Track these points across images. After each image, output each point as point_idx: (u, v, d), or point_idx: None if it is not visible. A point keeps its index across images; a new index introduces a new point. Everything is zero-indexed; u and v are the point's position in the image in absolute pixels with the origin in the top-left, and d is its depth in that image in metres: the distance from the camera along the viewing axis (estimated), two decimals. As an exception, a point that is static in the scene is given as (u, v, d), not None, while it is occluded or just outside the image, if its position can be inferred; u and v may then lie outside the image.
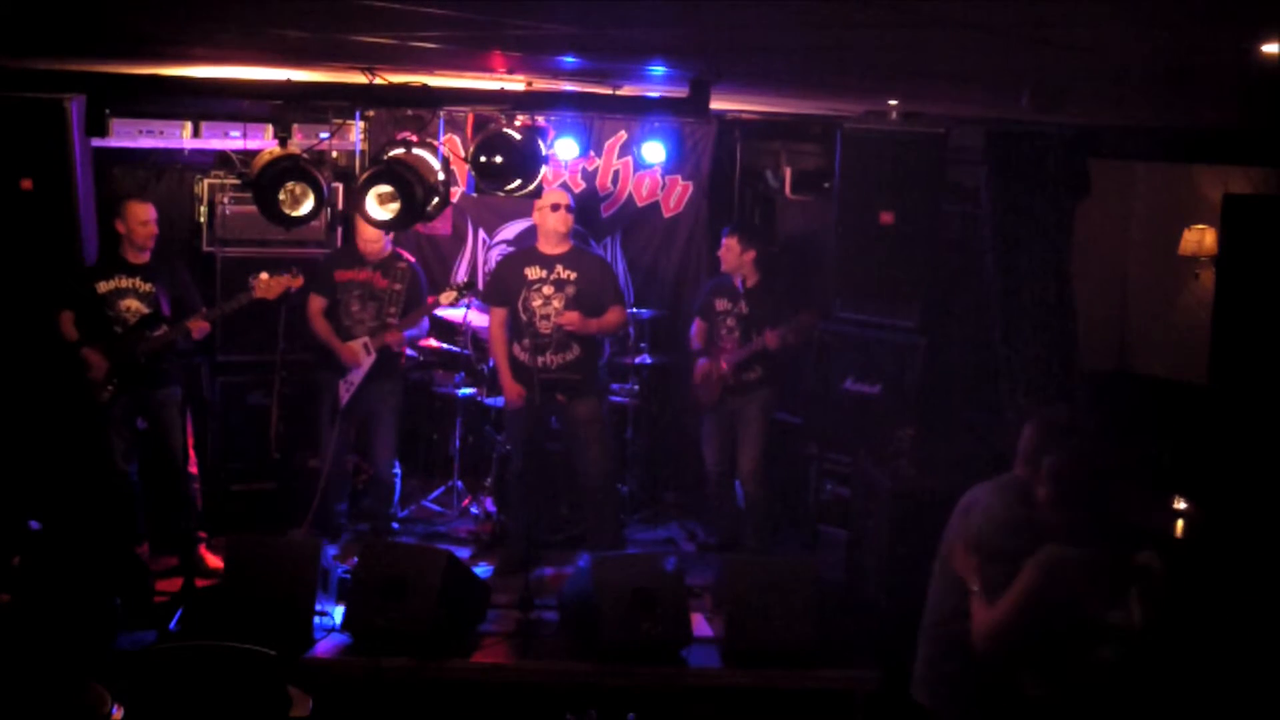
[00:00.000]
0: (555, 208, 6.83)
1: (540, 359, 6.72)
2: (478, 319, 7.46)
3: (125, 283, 6.65)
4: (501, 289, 6.94)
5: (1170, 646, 5.03)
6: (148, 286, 6.66)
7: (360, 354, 6.94)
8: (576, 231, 7.37)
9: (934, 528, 5.05)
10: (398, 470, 7.43)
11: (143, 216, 6.66)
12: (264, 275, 6.65)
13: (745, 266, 7.05)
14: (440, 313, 7.70)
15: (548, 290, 6.82)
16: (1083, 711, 3.92)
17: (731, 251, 7.06)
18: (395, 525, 7.44)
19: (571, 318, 6.74)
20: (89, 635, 5.64)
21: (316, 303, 7.03)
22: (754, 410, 7.11)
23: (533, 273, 6.86)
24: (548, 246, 6.90)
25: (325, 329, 7.01)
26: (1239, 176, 7.52)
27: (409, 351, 7.47)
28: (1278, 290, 6.64)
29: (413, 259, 7.24)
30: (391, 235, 7.06)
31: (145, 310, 6.63)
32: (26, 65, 5.81)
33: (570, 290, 6.81)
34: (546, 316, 6.80)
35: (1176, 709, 4.98)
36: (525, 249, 7.18)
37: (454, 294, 6.97)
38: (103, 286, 6.61)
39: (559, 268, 6.85)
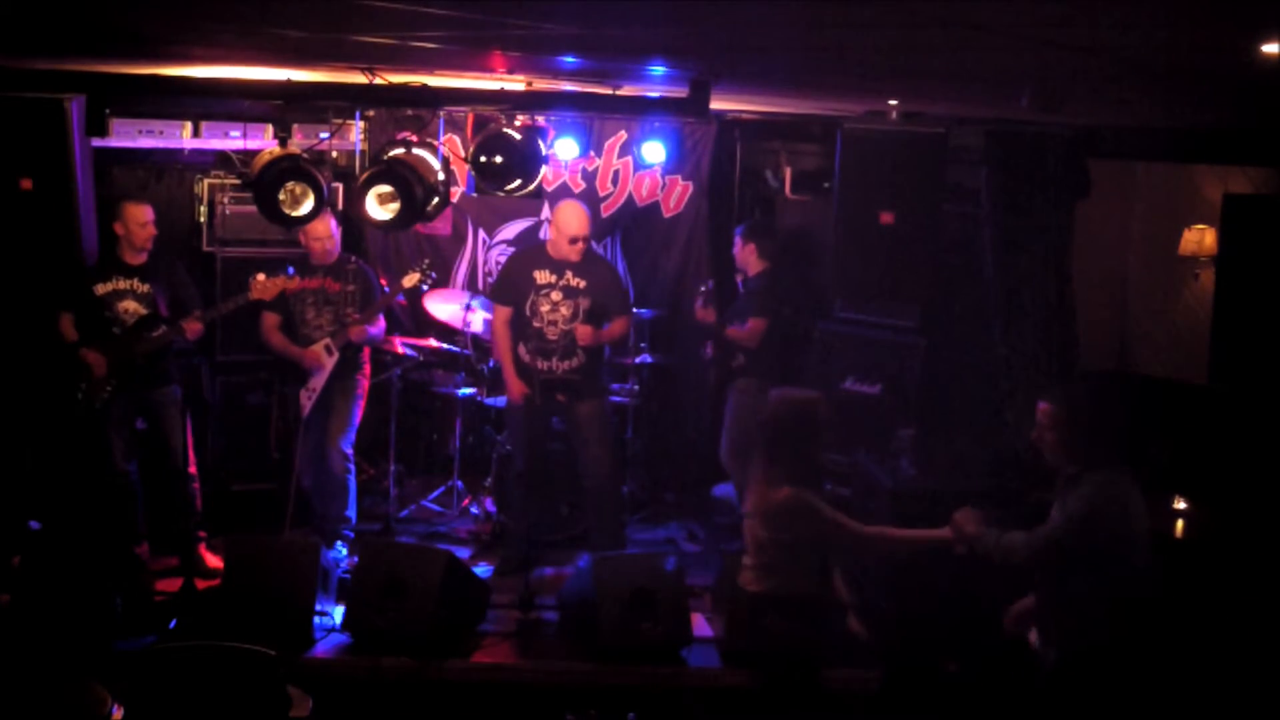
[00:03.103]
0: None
1: (545, 364, 6.72)
2: (477, 319, 7.45)
3: (123, 284, 6.63)
4: (510, 289, 6.89)
5: (1172, 645, 5.02)
6: (145, 287, 6.65)
7: (323, 356, 6.80)
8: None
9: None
10: (351, 468, 6.96)
11: (141, 218, 6.65)
12: (260, 276, 6.62)
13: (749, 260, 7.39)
14: (441, 314, 7.69)
15: (556, 296, 6.77)
16: None
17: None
18: (349, 532, 6.94)
19: (584, 332, 6.70)
20: (89, 635, 5.65)
21: (270, 318, 6.91)
22: (734, 397, 7.32)
23: (542, 276, 6.79)
24: (559, 253, 6.82)
25: (282, 341, 6.90)
26: (1239, 176, 7.51)
27: (408, 352, 7.47)
28: (1278, 290, 6.65)
29: (358, 258, 7.10)
30: (336, 236, 6.95)
31: (143, 311, 6.61)
32: (26, 65, 5.80)
33: (583, 302, 6.76)
34: (554, 323, 6.75)
35: (1178, 706, 4.98)
36: (535, 247, 7.16)
37: (417, 275, 6.88)
38: (100, 288, 6.59)
39: (569, 274, 6.79)
